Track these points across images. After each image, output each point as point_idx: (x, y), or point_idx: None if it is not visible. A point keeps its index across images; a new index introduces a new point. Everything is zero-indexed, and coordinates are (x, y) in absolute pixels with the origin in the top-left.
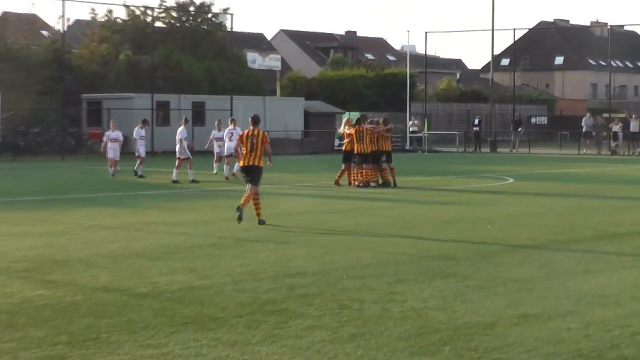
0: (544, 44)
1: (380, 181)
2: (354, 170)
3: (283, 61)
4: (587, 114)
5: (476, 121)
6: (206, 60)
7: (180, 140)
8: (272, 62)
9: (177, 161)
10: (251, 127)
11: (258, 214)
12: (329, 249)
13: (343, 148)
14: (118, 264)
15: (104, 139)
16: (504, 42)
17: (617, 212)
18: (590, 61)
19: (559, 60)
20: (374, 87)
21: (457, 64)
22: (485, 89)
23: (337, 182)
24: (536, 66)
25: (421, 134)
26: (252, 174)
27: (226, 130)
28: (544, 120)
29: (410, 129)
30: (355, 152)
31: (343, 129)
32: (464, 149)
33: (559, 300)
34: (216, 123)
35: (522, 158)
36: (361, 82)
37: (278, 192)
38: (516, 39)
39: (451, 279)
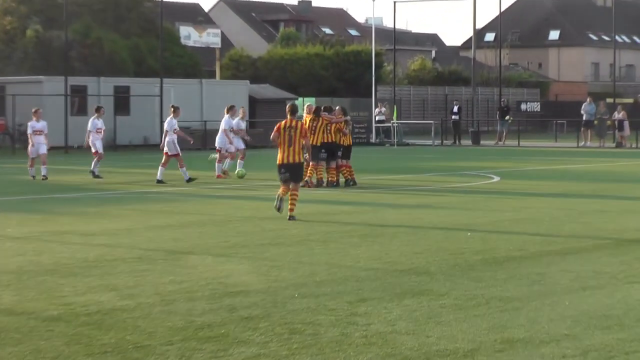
0: (535, 15)
1: (324, 181)
2: (309, 167)
3: (224, 37)
4: (588, 99)
5: (455, 108)
6: (131, 36)
7: (167, 132)
8: (210, 38)
9: (164, 157)
10: (288, 118)
11: (291, 209)
12: (277, 263)
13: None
14: (24, 281)
15: (29, 130)
16: (488, 13)
17: (622, 217)
18: (591, 36)
19: (554, 35)
20: (332, 68)
21: (433, 39)
22: (466, 70)
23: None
24: (527, 42)
25: (390, 124)
26: (292, 171)
27: (90, 121)
28: (536, 106)
29: (377, 118)
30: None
31: (305, 117)
32: (441, 141)
33: (552, 322)
34: (96, 113)
35: (511, 152)
36: (317, 62)
37: (216, 194)
38: (503, 9)
39: (423, 297)
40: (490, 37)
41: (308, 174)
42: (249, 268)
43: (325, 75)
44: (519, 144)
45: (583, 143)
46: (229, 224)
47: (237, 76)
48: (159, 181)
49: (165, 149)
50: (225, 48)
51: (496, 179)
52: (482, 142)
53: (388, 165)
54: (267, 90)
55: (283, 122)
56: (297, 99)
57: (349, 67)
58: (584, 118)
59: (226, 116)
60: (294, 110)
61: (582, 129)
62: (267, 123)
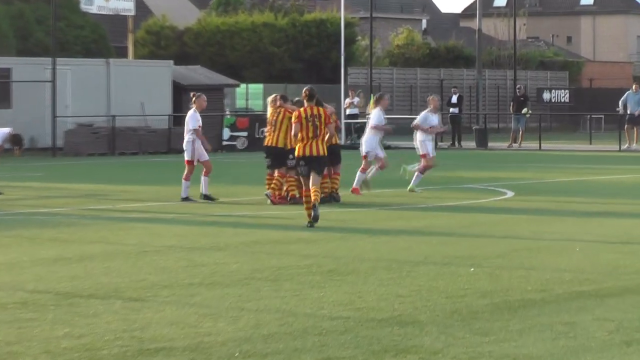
0: None
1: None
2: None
3: (139, 1)
4: (633, 87)
5: (454, 98)
6: (14, 1)
7: (193, 131)
8: (120, 3)
9: (187, 168)
10: (306, 105)
11: (315, 199)
12: (210, 310)
13: (265, 142)
14: None
15: None
16: None
17: None
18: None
19: None
20: (287, 44)
21: (424, 5)
22: (469, 46)
23: (276, 198)
24: (551, 8)
25: (365, 120)
26: (316, 164)
27: None
28: (563, 95)
29: (347, 112)
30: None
31: (270, 112)
32: (435, 142)
33: None
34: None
35: (529, 158)
36: (267, 36)
37: (131, 216)
38: None
39: (410, 356)
40: (501, 1)
41: (272, 185)
42: (173, 317)
43: (278, 53)
44: (540, 146)
45: (627, 146)
46: (146, 257)
47: (157, 54)
48: (206, 197)
49: (189, 156)
50: (142, 16)
51: (509, 194)
52: (490, 144)
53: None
54: (198, 74)
55: (302, 110)
56: (238, 85)
57: (310, 42)
58: (627, 112)
59: (376, 109)
60: (312, 95)
61: (626, 126)
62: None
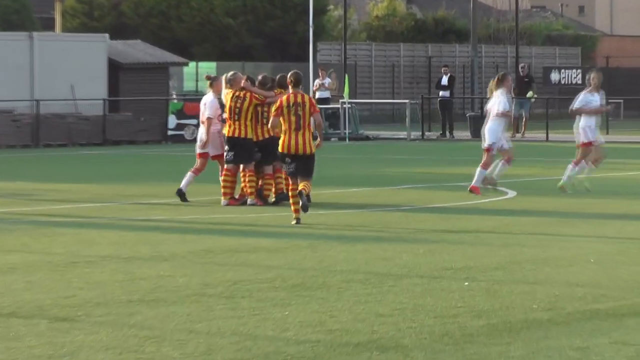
0: None
1: (272, 197)
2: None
3: None
4: None
5: (444, 79)
6: None
7: (210, 119)
8: None
9: (199, 160)
10: (291, 92)
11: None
12: (153, 332)
13: (226, 132)
14: None
15: None
16: None
17: None
18: None
19: None
20: (245, 15)
21: None
22: (462, 18)
23: (232, 199)
24: None
25: (338, 105)
26: (302, 164)
27: None
28: (575, 76)
29: (317, 95)
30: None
31: (225, 96)
32: (422, 132)
33: None
34: None
35: (534, 150)
36: (221, 5)
37: (58, 220)
38: None
39: None
40: None
41: (247, 187)
42: (108, 340)
43: (233, 25)
44: (547, 137)
45: None
46: (76, 269)
47: (89, 27)
48: (180, 193)
49: (207, 148)
50: None
51: (511, 194)
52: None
53: (335, 172)
54: (138, 51)
55: (284, 98)
56: (186, 64)
57: (272, 13)
58: None
59: (500, 91)
60: (298, 80)
61: None
62: (139, 104)
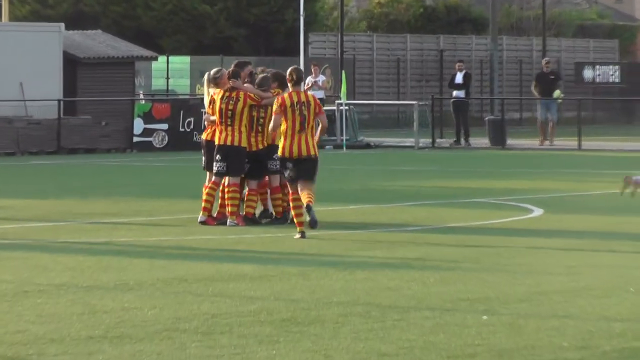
0: None
1: (258, 210)
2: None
3: None
4: None
5: (458, 77)
6: None
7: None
8: None
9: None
10: (291, 90)
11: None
12: None
13: (204, 136)
14: None
15: None
16: None
17: None
18: None
19: None
20: (225, 1)
21: None
22: (480, 5)
23: (210, 218)
24: None
25: (333, 108)
26: (304, 168)
27: None
28: (612, 73)
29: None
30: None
31: (207, 95)
32: (432, 139)
33: None
34: None
35: (564, 161)
36: None
37: (6, 241)
38: None
39: None
40: None
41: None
42: None
43: (211, 14)
44: (579, 145)
45: None
46: (26, 299)
47: (41, 15)
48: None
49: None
50: None
51: (536, 212)
52: (509, 141)
53: (331, 186)
54: (99, 43)
55: (286, 95)
56: (155, 58)
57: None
58: None
59: None
60: (299, 77)
61: None
62: (100, 106)
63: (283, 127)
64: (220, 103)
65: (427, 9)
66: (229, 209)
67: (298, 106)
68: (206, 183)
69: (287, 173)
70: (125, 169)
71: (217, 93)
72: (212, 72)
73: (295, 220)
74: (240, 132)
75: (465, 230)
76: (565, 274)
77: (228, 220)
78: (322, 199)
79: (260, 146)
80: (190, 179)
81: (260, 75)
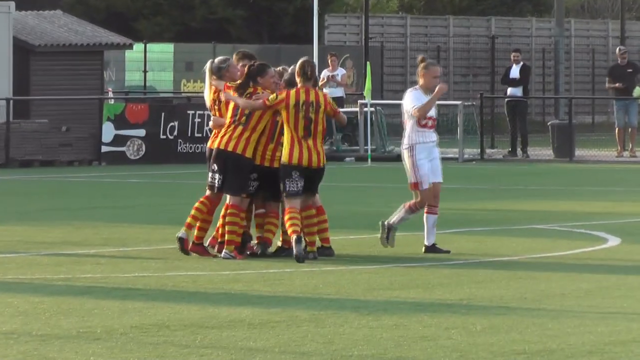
0: None
1: (272, 245)
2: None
3: None
4: None
5: (514, 70)
6: None
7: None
8: None
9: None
10: (300, 86)
11: (325, 240)
12: None
13: (208, 144)
14: None
15: None
16: None
17: None
18: None
19: None
20: None
21: None
22: None
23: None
24: None
25: (356, 109)
26: (313, 178)
27: None
28: None
29: (326, 92)
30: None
31: (209, 89)
32: (480, 149)
33: None
34: None
35: None
36: None
37: None
38: None
39: None
40: None
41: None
42: None
43: None
44: None
45: None
46: None
47: None
48: (432, 247)
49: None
50: None
51: (612, 241)
52: (578, 151)
53: (352, 208)
54: (58, 27)
55: (292, 92)
56: (130, 46)
57: None
58: None
59: None
60: (311, 71)
61: None
62: (61, 106)
63: (286, 130)
64: (230, 106)
65: None
66: (226, 236)
67: (304, 107)
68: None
69: (289, 185)
70: (91, 187)
71: (212, 90)
72: (216, 60)
73: (290, 236)
74: (248, 140)
75: (521, 265)
76: None
77: (223, 251)
78: (341, 224)
79: (276, 164)
80: (173, 199)
81: (290, 68)
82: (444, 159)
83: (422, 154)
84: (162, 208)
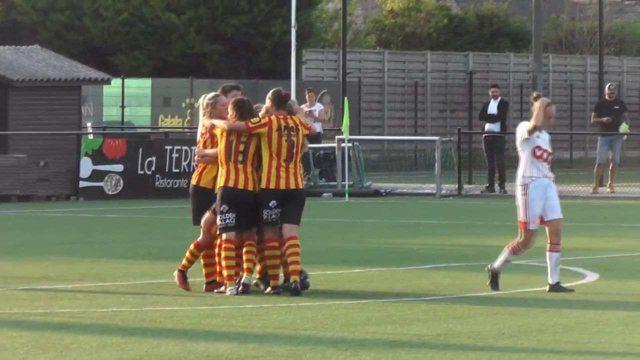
0: None
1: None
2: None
3: None
4: None
5: (492, 105)
6: None
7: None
8: None
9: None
10: (275, 113)
11: (294, 272)
12: None
13: (193, 181)
14: None
15: None
16: None
17: None
18: None
19: None
20: (195, 8)
21: None
22: (520, 15)
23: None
24: None
25: (333, 145)
26: (291, 204)
27: None
28: None
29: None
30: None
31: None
32: (458, 185)
33: None
34: None
35: (627, 213)
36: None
37: None
38: None
39: None
40: None
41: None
42: None
43: (178, 25)
44: None
45: None
46: None
47: None
48: (556, 285)
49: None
50: None
51: (590, 277)
52: (559, 186)
53: (329, 243)
54: (36, 62)
55: (274, 118)
56: (107, 81)
57: (235, 6)
58: None
59: None
60: (284, 99)
61: None
62: (41, 142)
63: (265, 155)
64: (229, 136)
65: (454, 20)
66: (229, 271)
67: (286, 131)
68: (199, 240)
69: (268, 213)
70: (69, 222)
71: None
72: (206, 97)
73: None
74: (251, 174)
75: (499, 301)
76: (626, 354)
77: (229, 289)
78: (318, 259)
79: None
80: (151, 234)
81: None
82: (421, 195)
83: (535, 192)
84: (140, 243)
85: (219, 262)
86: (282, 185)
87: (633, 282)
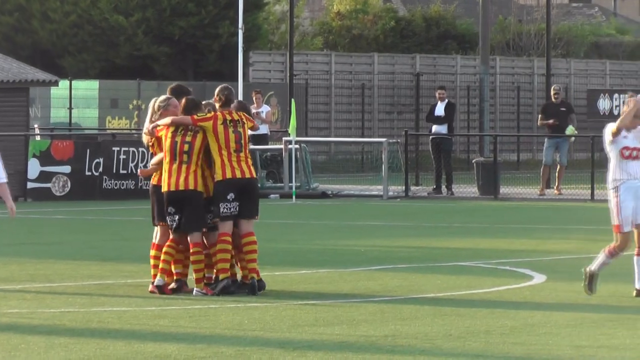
0: None
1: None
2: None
3: None
4: None
5: (439, 107)
6: None
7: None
8: None
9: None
10: (219, 110)
11: (252, 270)
12: None
13: (153, 180)
14: None
15: None
16: None
17: None
18: None
19: None
20: (143, 10)
21: None
22: (467, 17)
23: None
24: None
25: (280, 147)
26: (247, 196)
27: None
28: None
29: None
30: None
31: (148, 124)
32: (405, 186)
33: None
34: None
35: (573, 215)
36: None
37: None
38: None
39: None
40: None
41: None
42: None
43: (125, 28)
44: (592, 195)
45: None
46: None
47: None
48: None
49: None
50: None
51: (537, 278)
52: (503, 189)
53: (277, 245)
54: None
55: (219, 113)
56: (55, 82)
57: (183, 8)
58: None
59: None
60: (228, 98)
61: None
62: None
63: (215, 149)
64: (173, 136)
65: (401, 22)
66: (194, 274)
67: (232, 124)
68: (154, 240)
69: (226, 207)
70: (17, 223)
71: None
72: (158, 100)
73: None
74: (195, 174)
75: (446, 302)
76: (573, 357)
77: (194, 289)
78: (266, 261)
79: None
80: (98, 235)
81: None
82: (368, 197)
83: (627, 194)
84: (88, 244)
85: (166, 261)
86: (238, 174)
87: (580, 283)
